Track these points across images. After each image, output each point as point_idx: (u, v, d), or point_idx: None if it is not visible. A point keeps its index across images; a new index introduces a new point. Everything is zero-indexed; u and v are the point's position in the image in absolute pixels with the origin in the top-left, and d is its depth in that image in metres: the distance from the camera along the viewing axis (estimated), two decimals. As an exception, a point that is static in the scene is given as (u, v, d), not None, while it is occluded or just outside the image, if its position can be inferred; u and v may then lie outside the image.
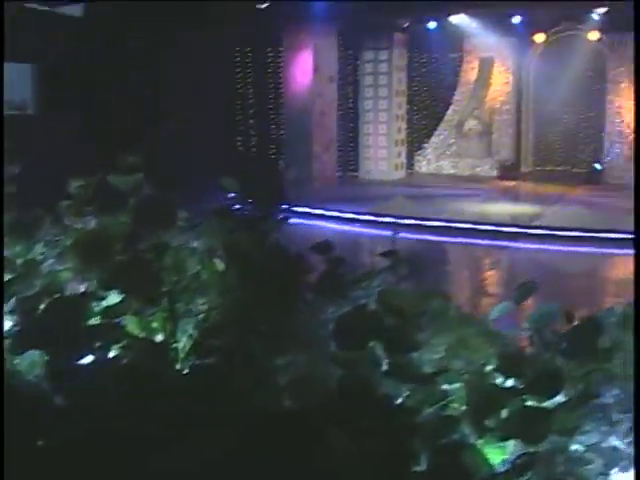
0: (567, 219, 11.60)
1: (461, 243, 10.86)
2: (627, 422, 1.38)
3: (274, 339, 1.64)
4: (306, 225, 11.99)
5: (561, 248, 10.53)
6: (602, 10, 15.27)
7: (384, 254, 1.93)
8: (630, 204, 13.80)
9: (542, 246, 10.62)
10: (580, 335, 1.51)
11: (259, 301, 1.71)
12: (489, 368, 1.54)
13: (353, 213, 12.44)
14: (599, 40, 16.88)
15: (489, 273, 9.51)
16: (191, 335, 1.81)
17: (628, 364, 1.47)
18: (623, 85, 16.82)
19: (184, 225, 2.12)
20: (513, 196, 15.42)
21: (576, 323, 1.56)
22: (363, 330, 1.51)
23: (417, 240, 11.02)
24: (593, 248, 10.49)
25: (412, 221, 11.57)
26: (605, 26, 16.33)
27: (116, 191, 2.10)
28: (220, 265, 1.94)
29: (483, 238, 11.00)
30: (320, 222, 12.40)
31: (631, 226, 11.39)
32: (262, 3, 13.25)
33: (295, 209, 12.54)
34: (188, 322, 1.84)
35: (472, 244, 10.90)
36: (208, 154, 12.99)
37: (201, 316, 1.85)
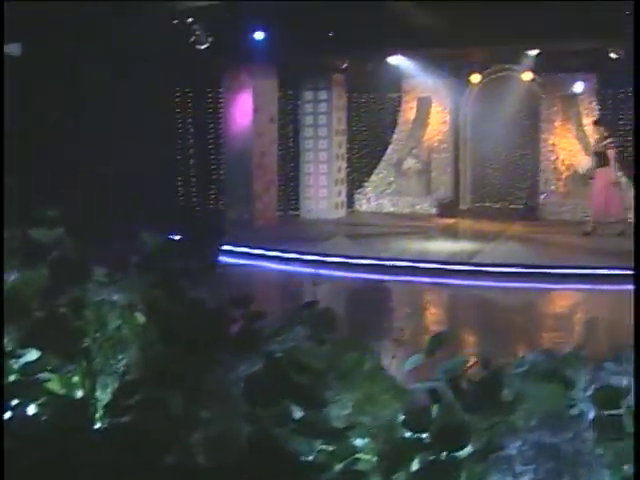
0: (505, 255, 11.78)
1: (402, 281, 10.92)
2: (530, 473, 1.41)
3: (191, 395, 1.64)
4: (247, 266, 11.99)
5: (500, 284, 10.66)
6: (534, 52, 15.68)
7: (305, 306, 1.94)
8: (564, 239, 14.15)
9: (482, 282, 10.74)
10: (483, 388, 1.54)
11: (178, 357, 1.71)
12: (398, 421, 1.56)
13: (294, 253, 12.41)
14: (532, 80, 17.33)
15: (427, 312, 9.58)
16: (111, 391, 1.80)
17: (532, 415, 1.51)
18: (556, 124, 17.27)
19: (104, 280, 2.10)
20: (452, 233, 15.62)
21: (482, 376, 1.59)
22: (273, 387, 1.52)
23: (357, 279, 11.11)
24: (531, 284, 10.65)
25: (352, 260, 11.63)
26: (538, 67, 16.77)
27: (37, 245, 2.09)
28: (142, 319, 1.94)
29: (424, 276, 11.08)
30: (261, 262, 12.39)
31: (566, 260, 11.71)
32: (202, 44, 13.29)
33: (236, 250, 12.55)
34: (108, 378, 1.83)
35: (413, 282, 10.96)
36: (146, 200, 12.93)
37: (121, 371, 1.84)
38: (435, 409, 1.51)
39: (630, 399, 1.54)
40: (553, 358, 1.68)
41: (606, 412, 1.53)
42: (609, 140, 14.47)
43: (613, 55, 14.99)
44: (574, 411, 1.55)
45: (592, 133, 16.90)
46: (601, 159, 14.42)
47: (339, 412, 1.52)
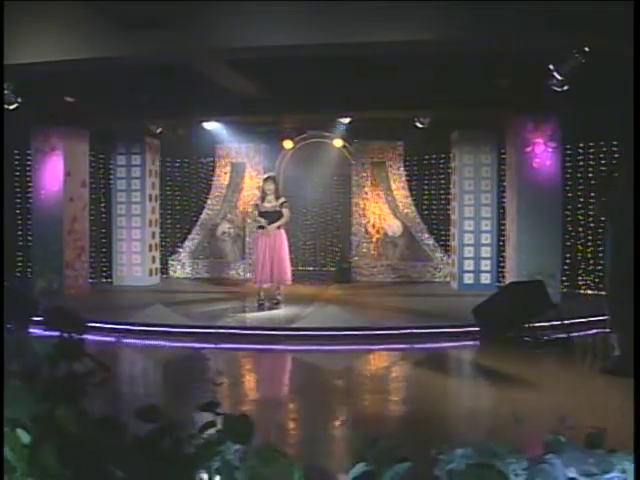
0: (324, 318, 11.87)
1: (224, 349, 10.72)
2: None
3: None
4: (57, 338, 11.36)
5: (322, 348, 10.71)
6: (346, 120, 16.19)
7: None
8: (378, 300, 14.48)
9: (304, 347, 10.75)
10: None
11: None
12: None
13: (109, 323, 11.90)
14: (344, 147, 17.90)
15: (251, 380, 9.42)
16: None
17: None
18: (366, 189, 17.85)
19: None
20: (269, 298, 15.59)
21: None
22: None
23: (176, 348, 10.81)
24: (351, 346, 10.78)
25: (172, 328, 11.30)
26: (349, 134, 17.36)
27: None
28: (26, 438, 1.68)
29: (245, 343, 10.95)
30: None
31: (382, 321, 11.96)
32: (11, 104, 12.71)
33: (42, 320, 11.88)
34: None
35: (235, 349, 10.80)
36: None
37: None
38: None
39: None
40: (482, 451, 1.60)
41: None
42: (283, 199, 13.36)
43: (419, 124, 15.74)
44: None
45: (401, 197, 17.63)
46: (274, 219, 13.15)
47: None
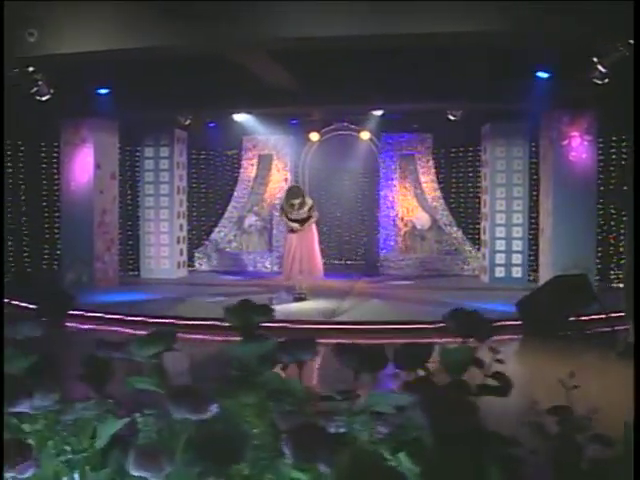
0: (367, 312, 11.74)
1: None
2: None
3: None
4: (93, 331, 11.23)
5: (369, 341, 10.57)
6: (379, 112, 16.06)
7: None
8: (413, 294, 14.35)
9: (348, 340, 10.61)
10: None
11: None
12: None
13: (144, 316, 11.72)
14: (370, 139, 17.76)
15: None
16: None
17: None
18: (395, 181, 17.70)
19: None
20: (299, 291, 15.42)
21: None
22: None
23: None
24: (401, 339, 10.64)
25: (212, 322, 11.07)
26: (376, 126, 17.21)
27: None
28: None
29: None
30: (109, 327, 11.56)
31: (423, 314, 11.80)
32: (43, 95, 12.55)
33: (78, 314, 11.82)
34: None
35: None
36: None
37: None
38: None
39: None
40: None
41: None
42: (310, 204, 13.20)
43: (451, 117, 15.62)
44: None
45: (430, 190, 17.52)
46: (304, 221, 13.16)
47: None
